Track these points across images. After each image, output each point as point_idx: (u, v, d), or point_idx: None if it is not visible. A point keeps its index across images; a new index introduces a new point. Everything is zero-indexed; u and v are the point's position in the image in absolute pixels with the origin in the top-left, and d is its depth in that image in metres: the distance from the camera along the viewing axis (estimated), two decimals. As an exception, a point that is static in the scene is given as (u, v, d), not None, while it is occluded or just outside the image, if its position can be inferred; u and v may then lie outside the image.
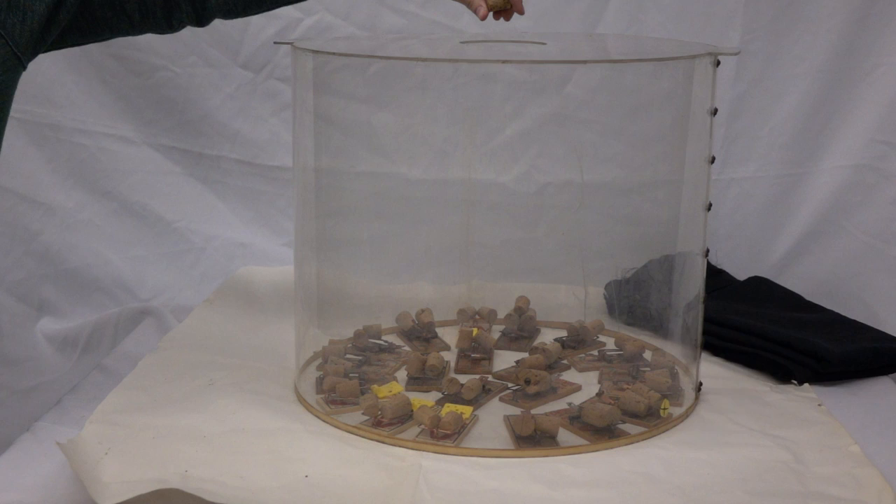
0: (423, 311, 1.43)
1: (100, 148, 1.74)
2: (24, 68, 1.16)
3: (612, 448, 1.16)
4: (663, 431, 1.20)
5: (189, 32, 1.72)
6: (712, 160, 1.26)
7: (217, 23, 1.71)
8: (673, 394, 1.25)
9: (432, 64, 1.25)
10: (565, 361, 1.35)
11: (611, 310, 1.50)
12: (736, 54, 1.37)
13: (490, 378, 1.30)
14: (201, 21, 1.29)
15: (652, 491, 1.06)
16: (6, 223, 1.68)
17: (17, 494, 1.07)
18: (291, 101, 1.33)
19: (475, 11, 1.24)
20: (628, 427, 1.19)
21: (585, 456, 1.14)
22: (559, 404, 1.24)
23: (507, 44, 1.38)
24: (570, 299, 1.48)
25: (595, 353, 1.39)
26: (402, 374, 1.32)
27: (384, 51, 1.37)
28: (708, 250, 1.28)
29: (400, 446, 1.15)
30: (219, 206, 1.80)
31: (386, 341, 1.41)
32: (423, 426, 1.17)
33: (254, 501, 1.01)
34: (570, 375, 1.33)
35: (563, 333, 1.43)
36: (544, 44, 1.32)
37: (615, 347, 1.40)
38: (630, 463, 1.12)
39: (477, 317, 1.48)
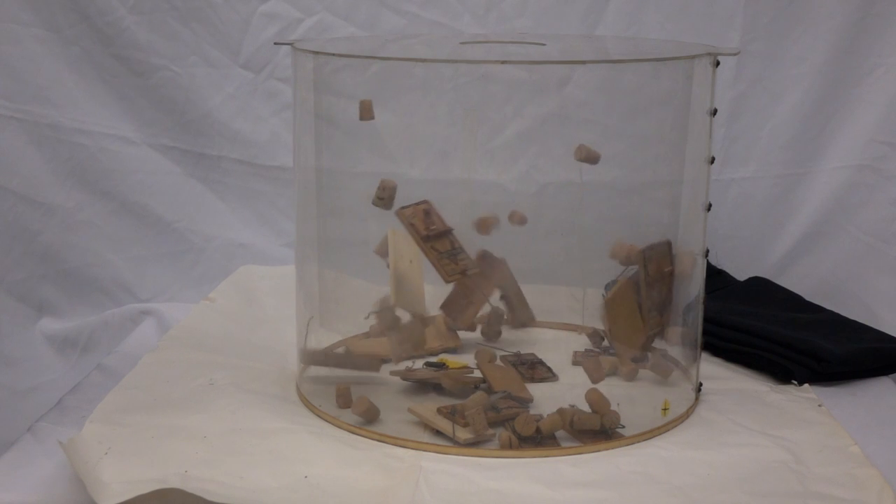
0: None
1: (100, 148, 1.74)
2: None
3: (612, 448, 1.16)
4: (663, 431, 1.20)
5: (190, 32, 1.73)
6: (712, 160, 1.26)
7: (218, 22, 1.73)
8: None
9: (432, 64, 1.25)
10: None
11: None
12: (735, 54, 1.37)
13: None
14: None
15: (652, 491, 1.06)
16: (6, 223, 1.68)
17: (17, 494, 1.07)
18: (292, 101, 1.33)
19: None
20: (628, 428, 1.19)
21: (585, 456, 1.14)
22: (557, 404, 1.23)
23: (506, 44, 1.38)
24: (569, 300, 1.47)
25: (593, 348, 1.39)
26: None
27: (384, 51, 1.37)
28: (708, 250, 1.29)
29: (400, 446, 1.15)
30: (219, 206, 1.80)
31: None
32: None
33: (254, 501, 1.01)
34: (572, 375, 1.33)
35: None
36: (544, 44, 1.32)
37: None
38: (630, 463, 1.12)
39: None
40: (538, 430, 1.15)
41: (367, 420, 1.19)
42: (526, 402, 1.24)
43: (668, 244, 1.27)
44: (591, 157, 1.28)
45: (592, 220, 1.36)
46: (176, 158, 1.78)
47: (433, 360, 1.33)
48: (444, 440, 1.16)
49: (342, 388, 1.24)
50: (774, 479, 1.08)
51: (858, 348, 1.39)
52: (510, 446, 1.14)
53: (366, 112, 1.24)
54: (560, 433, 1.17)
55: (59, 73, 1.71)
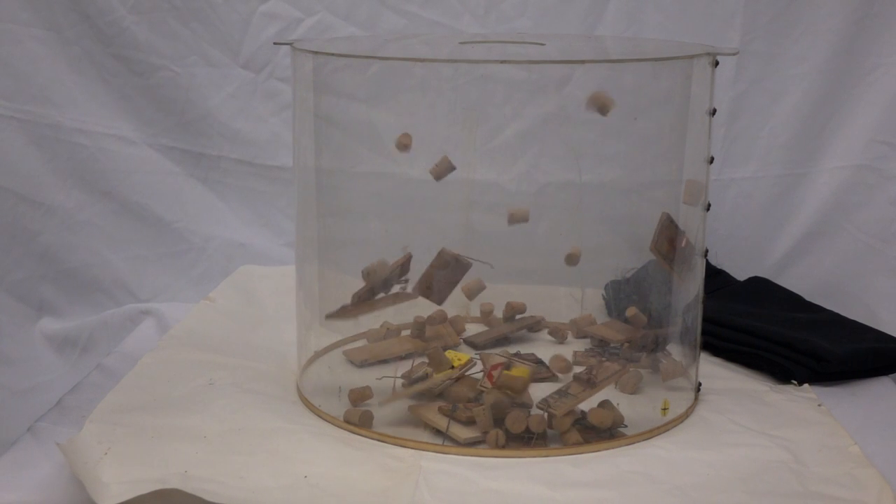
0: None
1: (100, 148, 1.74)
2: None
3: (612, 448, 1.16)
4: (663, 431, 1.20)
5: (189, 32, 1.73)
6: (711, 160, 1.26)
7: (218, 22, 1.73)
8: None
9: (432, 64, 1.25)
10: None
11: (609, 310, 1.50)
12: (734, 54, 1.37)
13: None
14: None
15: (652, 491, 1.06)
16: (6, 223, 1.69)
17: (17, 494, 1.07)
18: (292, 101, 1.33)
19: None
20: (628, 428, 1.19)
21: (585, 456, 1.14)
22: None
23: (506, 44, 1.38)
24: (568, 300, 1.48)
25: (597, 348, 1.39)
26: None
27: (384, 51, 1.37)
28: (707, 250, 1.29)
29: (400, 446, 1.15)
30: (219, 206, 1.80)
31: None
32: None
33: (254, 501, 1.01)
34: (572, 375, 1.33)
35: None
36: (544, 44, 1.32)
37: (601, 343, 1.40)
38: (630, 463, 1.12)
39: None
40: (528, 430, 1.15)
41: (361, 424, 1.20)
42: (527, 406, 1.24)
43: (667, 217, 1.27)
44: (603, 106, 1.26)
45: (592, 220, 1.36)
46: (176, 158, 1.78)
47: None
48: (443, 440, 1.16)
49: (367, 390, 1.24)
50: (774, 479, 1.08)
51: (858, 348, 1.39)
52: (496, 445, 1.14)
53: (405, 143, 1.26)
54: (552, 433, 1.17)
55: (59, 73, 1.71)
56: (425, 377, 1.20)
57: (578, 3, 1.73)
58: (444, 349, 1.40)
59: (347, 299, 1.37)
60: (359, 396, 1.24)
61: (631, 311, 1.36)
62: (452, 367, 1.23)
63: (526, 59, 1.25)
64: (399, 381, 1.22)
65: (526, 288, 1.51)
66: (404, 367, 1.29)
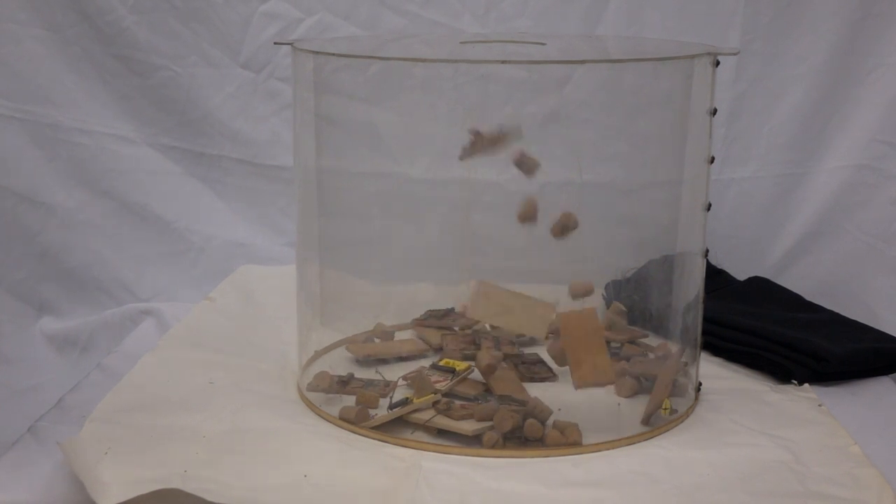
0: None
1: (100, 148, 1.74)
2: None
3: (612, 448, 1.16)
4: (663, 431, 1.20)
5: (190, 32, 1.73)
6: (712, 160, 1.26)
7: (218, 22, 1.73)
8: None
9: (432, 64, 1.25)
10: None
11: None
12: (735, 54, 1.37)
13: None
14: None
15: (652, 491, 1.06)
16: (6, 223, 1.69)
17: (17, 494, 1.07)
18: (292, 101, 1.33)
19: None
20: (628, 427, 1.19)
21: (585, 456, 1.14)
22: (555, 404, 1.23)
23: (506, 44, 1.38)
24: (569, 300, 1.47)
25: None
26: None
27: (384, 51, 1.37)
28: (708, 250, 1.29)
29: (401, 446, 1.15)
30: (219, 205, 1.80)
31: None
32: None
33: (254, 501, 1.01)
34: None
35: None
36: (544, 44, 1.33)
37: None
38: (630, 463, 1.12)
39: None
40: (519, 428, 1.15)
41: (356, 421, 1.20)
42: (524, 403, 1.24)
43: None
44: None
45: (592, 220, 1.36)
46: (176, 158, 1.78)
47: (440, 363, 1.33)
48: (444, 440, 1.16)
49: (376, 399, 1.24)
50: (774, 479, 1.08)
51: (858, 348, 1.39)
52: (493, 446, 1.14)
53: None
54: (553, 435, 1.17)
55: (59, 73, 1.71)
56: (406, 402, 1.20)
57: (578, 3, 1.74)
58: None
59: (348, 299, 1.37)
60: (366, 400, 1.23)
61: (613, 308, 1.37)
62: (435, 392, 1.23)
63: (526, 59, 1.25)
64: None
65: (527, 287, 1.50)
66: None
